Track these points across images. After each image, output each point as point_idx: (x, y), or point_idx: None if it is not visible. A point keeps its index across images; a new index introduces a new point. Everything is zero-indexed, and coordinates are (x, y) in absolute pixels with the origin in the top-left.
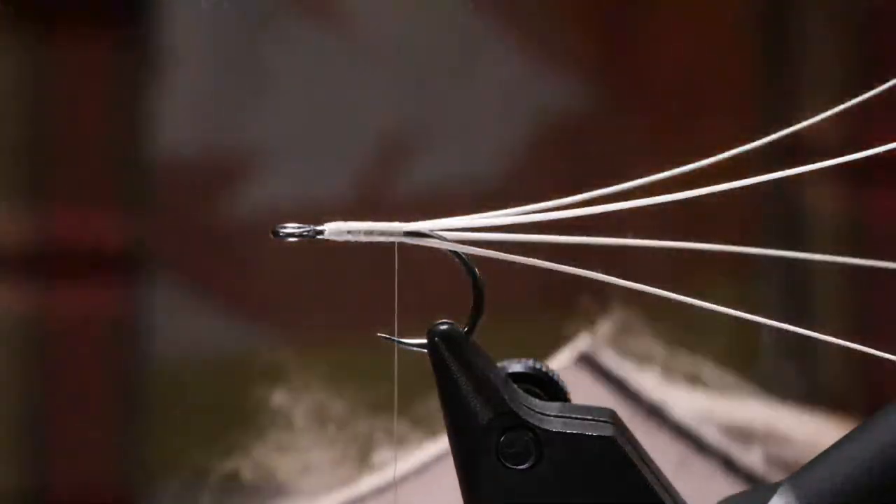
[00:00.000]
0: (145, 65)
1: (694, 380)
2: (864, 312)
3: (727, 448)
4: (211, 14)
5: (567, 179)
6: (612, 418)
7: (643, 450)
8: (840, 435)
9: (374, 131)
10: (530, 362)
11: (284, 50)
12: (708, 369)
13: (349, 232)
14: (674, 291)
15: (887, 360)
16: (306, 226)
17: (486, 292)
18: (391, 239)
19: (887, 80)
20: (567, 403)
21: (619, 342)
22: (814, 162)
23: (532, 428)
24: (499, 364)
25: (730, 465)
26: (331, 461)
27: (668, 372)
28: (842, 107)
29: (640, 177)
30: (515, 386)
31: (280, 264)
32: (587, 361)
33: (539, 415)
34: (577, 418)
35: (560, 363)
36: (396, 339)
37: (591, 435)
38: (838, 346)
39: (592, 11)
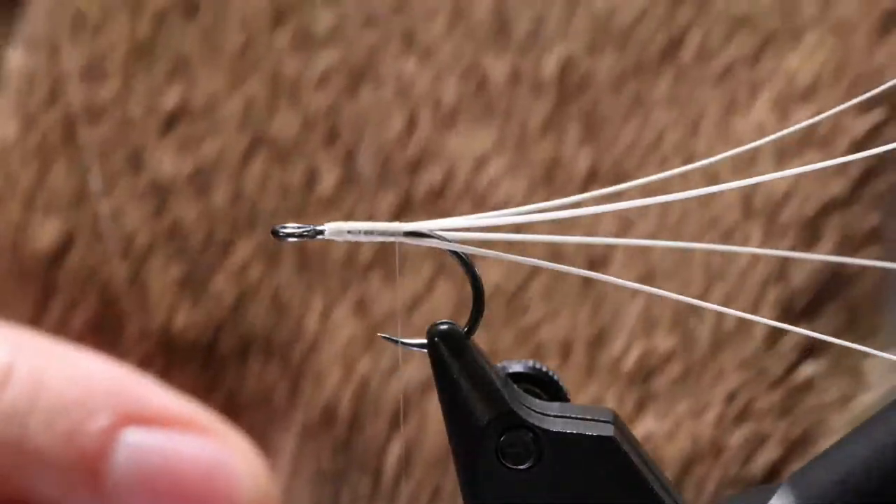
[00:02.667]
0: None
1: None
2: None
3: None
4: None
5: None
6: (612, 418)
7: (643, 450)
8: None
9: None
10: (530, 362)
11: None
12: None
13: (349, 232)
14: None
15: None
16: (306, 225)
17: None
18: (391, 239)
19: None
20: (567, 403)
21: None
22: None
23: (532, 428)
24: (499, 364)
25: None
26: None
27: None
28: (841, 107)
29: None
30: (515, 386)
31: None
32: None
33: (539, 415)
34: (577, 418)
35: None
36: (397, 339)
37: (591, 435)
38: None
39: None
